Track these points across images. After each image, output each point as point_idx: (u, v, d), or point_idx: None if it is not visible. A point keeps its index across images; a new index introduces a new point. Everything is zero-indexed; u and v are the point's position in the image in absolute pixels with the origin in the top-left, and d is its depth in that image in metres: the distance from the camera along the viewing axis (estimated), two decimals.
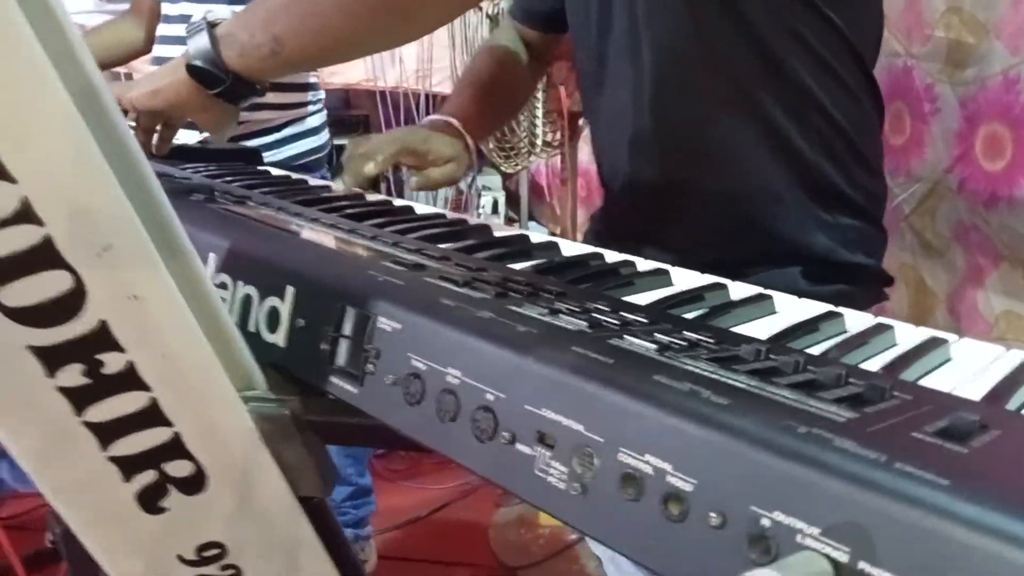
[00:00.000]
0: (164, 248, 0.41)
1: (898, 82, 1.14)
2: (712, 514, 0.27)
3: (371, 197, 0.78)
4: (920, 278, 1.10)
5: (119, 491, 0.44)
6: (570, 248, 0.62)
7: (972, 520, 0.23)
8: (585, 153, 2.12)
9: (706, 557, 0.27)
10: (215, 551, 0.48)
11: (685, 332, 0.39)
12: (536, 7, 0.99)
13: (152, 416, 0.43)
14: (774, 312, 0.50)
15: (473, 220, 0.70)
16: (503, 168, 1.64)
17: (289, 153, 1.46)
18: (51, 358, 0.40)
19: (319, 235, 0.55)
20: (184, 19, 1.43)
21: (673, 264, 0.57)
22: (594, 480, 0.31)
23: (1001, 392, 0.37)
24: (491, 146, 1.61)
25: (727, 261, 0.60)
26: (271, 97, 1.43)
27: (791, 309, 0.50)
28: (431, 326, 0.38)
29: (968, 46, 1.00)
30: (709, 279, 0.55)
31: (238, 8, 1.38)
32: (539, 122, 1.57)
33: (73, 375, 0.40)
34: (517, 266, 0.54)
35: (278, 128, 1.45)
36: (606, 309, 0.41)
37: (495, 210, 2.31)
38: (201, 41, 0.69)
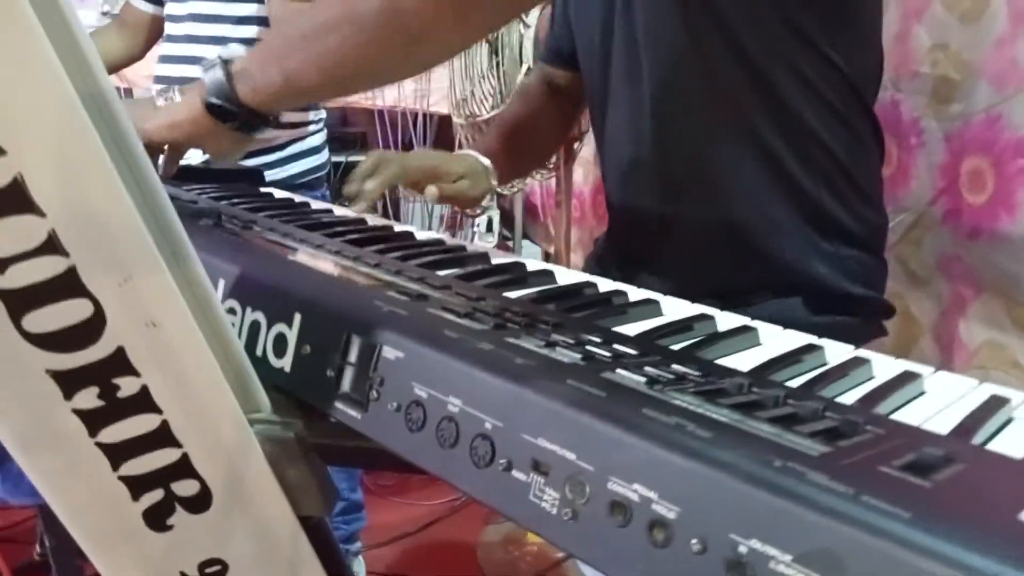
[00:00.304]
0: (180, 277, 0.43)
1: (886, 115, 1.17)
2: (694, 540, 0.29)
3: (373, 221, 0.80)
4: (906, 307, 1.13)
5: (128, 509, 0.46)
6: (565, 276, 0.65)
7: (930, 551, 0.25)
8: (579, 175, 2.15)
9: None
10: (217, 568, 0.50)
11: (673, 365, 0.41)
12: (563, 47, 1.00)
13: (162, 437, 0.45)
14: (759, 344, 0.53)
15: (471, 247, 0.72)
16: (499, 189, 1.67)
17: (291, 171, 1.48)
18: (69, 382, 0.42)
19: (325, 262, 0.57)
20: (189, 39, 1.46)
21: (673, 291, 0.59)
22: (585, 506, 0.33)
23: (969, 426, 0.39)
24: None
25: (728, 290, 0.62)
26: None
27: (775, 341, 0.53)
28: (433, 356, 0.40)
29: (953, 83, 1.03)
30: (697, 309, 0.57)
31: (242, 30, 1.41)
32: None
33: (89, 398, 0.42)
34: (514, 294, 0.56)
35: (280, 147, 1.48)
36: (598, 341, 0.44)
37: (490, 228, 2.34)
38: (216, 77, 0.71)
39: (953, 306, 1.04)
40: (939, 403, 0.44)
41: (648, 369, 0.39)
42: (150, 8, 1.62)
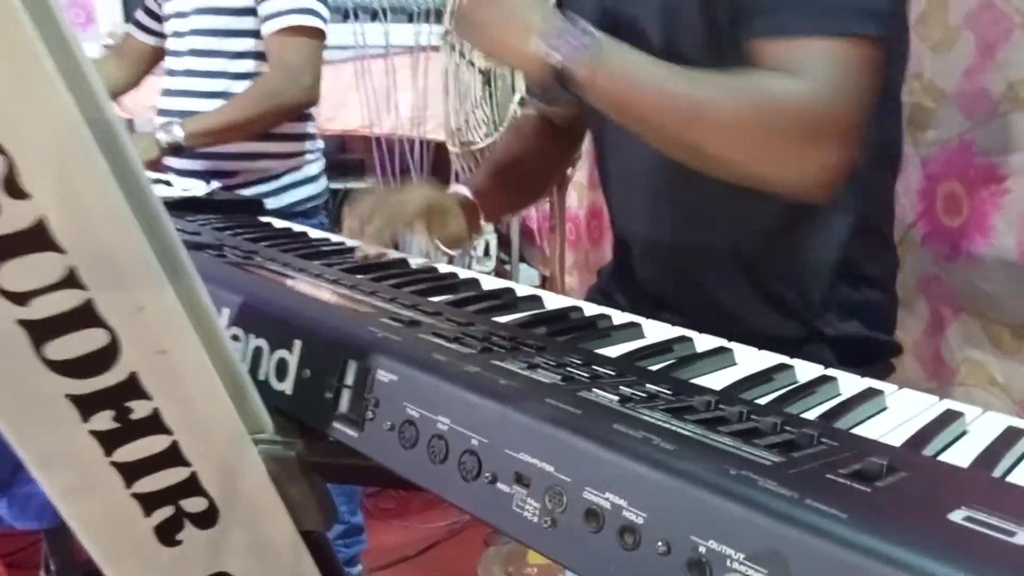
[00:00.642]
0: (187, 307, 0.46)
1: None
2: (659, 543, 0.32)
3: (368, 250, 0.83)
4: None
5: (140, 525, 0.49)
6: (553, 301, 0.68)
7: (865, 548, 0.28)
8: (573, 199, 2.19)
9: None
10: None
11: (647, 385, 0.44)
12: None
13: (172, 457, 0.48)
14: (734, 364, 0.56)
15: (463, 273, 0.75)
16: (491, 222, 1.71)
17: (289, 200, 1.52)
18: (86, 405, 0.45)
19: (323, 291, 0.60)
20: (189, 73, 1.50)
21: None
22: (562, 515, 0.36)
23: (921, 439, 0.42)
24: None
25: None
26: (272, 147, 1.51)
27: (750, 361, 0.56)
28: (424, 379, 0.43)
29: (928, 110, 1.07)
30: (677, 331, 0.61)
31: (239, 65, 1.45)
32: None
33: (104, 420, 0.45)
34: (503, 319, 0.59)
35: (278, 176, 1.52)
36: (579, 362, 0.47)
37: (487, 253, 2.37)
38: None
39: (933, 325, 1.07)
40: (898, 418, 0.47)
41: (622, 388, 0.42)
42: (151, 40, 1.66)
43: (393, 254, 0.83)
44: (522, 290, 0.70)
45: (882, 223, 0.81)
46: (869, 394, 0.49)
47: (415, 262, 0.79)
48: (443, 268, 0.77)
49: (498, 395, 0.40)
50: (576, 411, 0.38)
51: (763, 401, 0.46)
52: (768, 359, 0.56)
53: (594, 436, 0.36)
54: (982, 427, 0.46)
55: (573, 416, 0.38)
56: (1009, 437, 0.43)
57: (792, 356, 0.55)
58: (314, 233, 0.93)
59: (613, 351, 0.54)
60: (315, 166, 1.59)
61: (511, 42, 0.68)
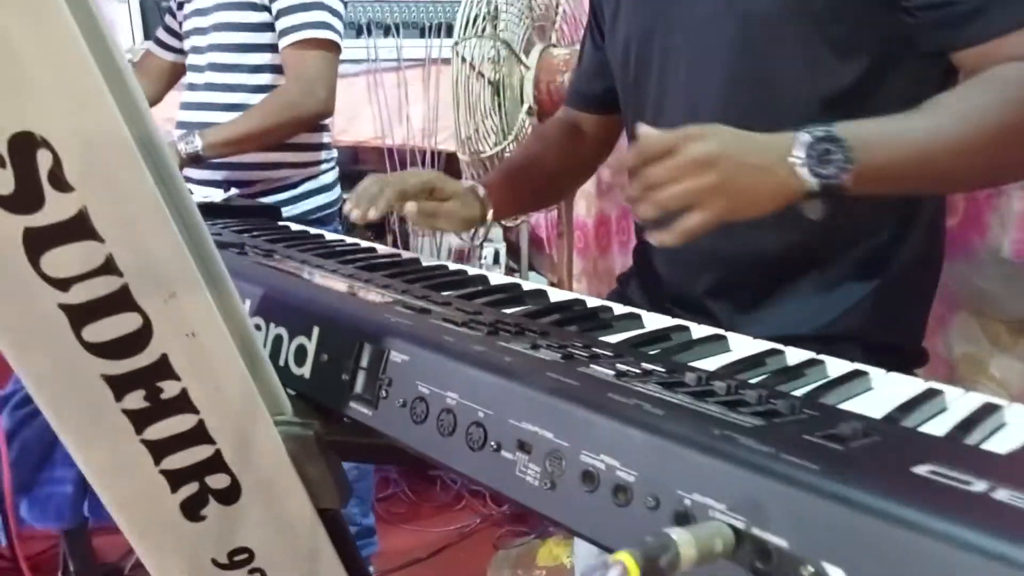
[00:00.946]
0: (215, 294, 0.49)
1: None
2: (649, 498, 0.35)
3: (382, 250, 0.87)
4: None
5: (167, 501, 0.52)
6: (557, 295, 0.71)
7: (833, 495, 0.31)
8: (582, 207, 2.22)
9: (645, 532, 0.35)
10: (244, 556, 0.56)
11: (643, 364, 0.47)
12: (588, 91, 1.02)
13: (199, 435, 0.51)
14: (728, 351, 0.59)
15: (472, 271, 0.78)
16: (503, 222, 1.74)
17: (305, 208, 1.56)
18: (119, 385, 0.48)
19: (340, 284, 0.64)
20: (209, 87, 1.55)
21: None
22: (561, 477, 0.39)
23: (901, 412, 0.45)
24: None
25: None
26: (288, 156, 1.55)
27: (743, 347, 0.59)
28: (434, 358, 0.47)
29: None
30: (676, 322, 0.64)
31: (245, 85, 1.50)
32: None
33: (136, 399, 0.49)
34: (509, 310, 0.62)
35: (295, 185, 1.56)
36: (580, 345, 0.50)
37: (496, 261, 2.41)
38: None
39: (933, 324, 1.09)
40: (883, 397, 0.50)
41: (619, 366, 0.45)
42: (169, 56, 1.71)
43: (406, 254, 0.86)
44: (528, 285, 0.73)
45: (935, 226, 0.80)
46: (855, 375, 0.52)
47: (427, 261, 0.82)
48: (453, 266, 0.80)
49: (502, 371, 0.43)
50: (574, 383, 0.41)
51: (753, 381, 0.49)
52: (760, 345, 0.58)
53: (590, 404, 0.39)
54: (962, 404, 0.49)
55: (571, 387, 0.41)
56: (985, 411, 0.46)
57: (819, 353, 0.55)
58: (330, 235, 0.97)
59: (614, 338, 0.57)
60: (330, 175, 1.63)
61: (771, 196, 0.62)
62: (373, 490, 1.95)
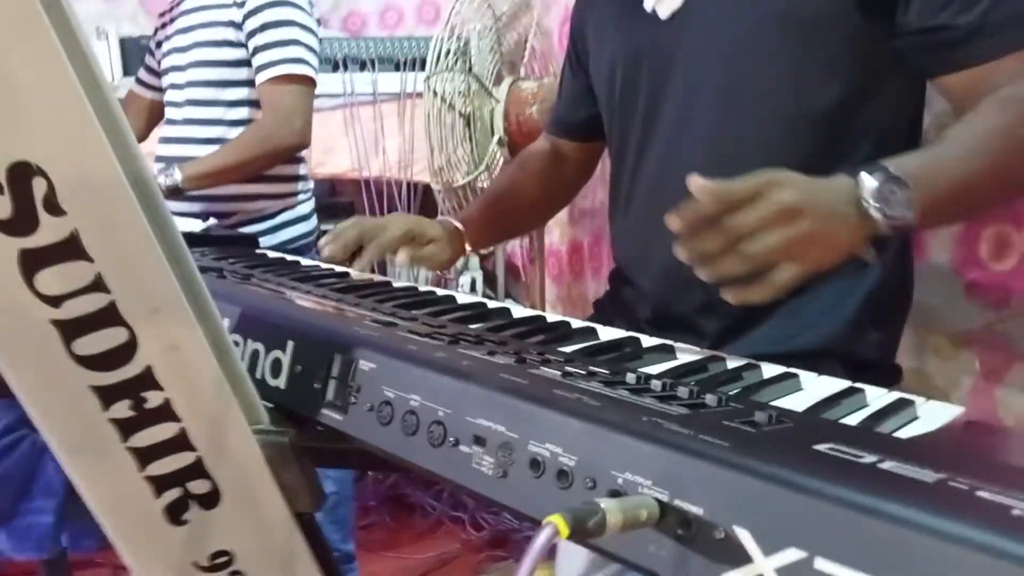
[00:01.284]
0: (196, 310, 0.53)
1: None
2: (587, 479, 0.40)
3: (355, 275, 0.91)
4: None
5: (151, 505, 0.56)
6: (520, 312, 0.75)
7: (742, 466, 0.35)
8: (556, 235, 2.28)
9: None
10: (224, 558, 0.59)
11: (590, 367, 0.51)
12: (569, 119, 1.06)
13: (181, 443, 0.54)
14: (675, 358, 0.63)
15: (441, 292, 0.83)
16: (480, 251, 1.79)
17: (283, 238, 1.60)
18: (107, 395, 0.52)
19: (313, 303, 0.68)
20: (188, 122, 1.59)
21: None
22: (512, 466, 0.43)
23: (822, 406, 0.50)
24: None
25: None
26: (265, 188, 1.59)
27: (686, 356, 0.63)
28: (398, 364, 0.51)
29: None
30: (628, 334, 0.68)
31: (232, 114, 1.54)
32: None
33: (122, 409, 0.52)
34: (474, 326, 0.67)
35: (272, 215, 1.60)
36: (534, 352, 0.54)
37: (473, 289, 2.45)
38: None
39: None
40: (811, 396, 0.54)
41: (567, 368, 0.49)
42: (150, 95, 1.76)
43: (378, 278, 0.90)
44: (493, 304, 0.78)
45: (906, 247, 0.82)
46: (786, 376, 0.57)
47: (398, 284, 0.86)
48: (423, 287, 0.84)
49: (460, 373, 0.48)
50: (524, 382, 0.46)
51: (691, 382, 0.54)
52: (701, 354, 0.63)
53: (536, 399, 0.43)
54: (881, 401, 0.53)
55: (520, 385, 0.45)
56: (899, 406, 0.51)
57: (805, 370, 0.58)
58: (305, 261, 1.01)
59: (568, 348, 0.62)
60: (307, 205, 1.67)
61: (850, 241, 0.61)
62: (353, 517, 1.97)
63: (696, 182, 0.58)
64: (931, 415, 0.52)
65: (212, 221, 1.41)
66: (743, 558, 0.34)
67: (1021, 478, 0.36)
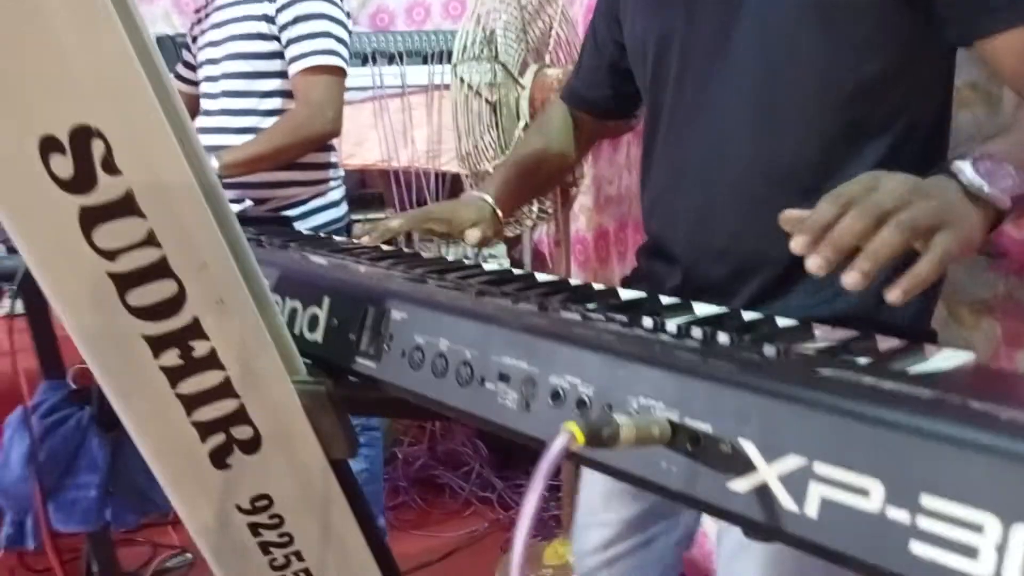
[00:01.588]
0: (240, 268, 0.57)
1: None
2: (605, 406, 0.42)
3: (386, 249, 0.94)
4: None
5: (197, 449, 0.59)
6: (545, 278, 0.78)
7: (747, 385, 0.38)
8: (582, 222, 2.30)
9: None
10: (264, 502, 0.63)
11: (608, 312, 0.54)
12: (586, 94, 1.09)
13: (225, 390, 0.58)
14: (693, 314, 0.66)
15: (469, 261, 0.86)
16: (508, 231, 1.83)
17: (314, 223, 1.65)
18: (157, 344, 0.56)
19: (348, 266, 0.71)
20: (223, 112, 1.64)
21: None
22: (534, 399, 0.46)
23: (833, 348, 0.52)
24: None
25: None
26: (297, 175, 1.64)
27: (704, 310, 0.66)
28: (428, 313, 0.54)
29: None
30: (648, 295, 0.71)
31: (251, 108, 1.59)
32: None
33: (172, 357, 0.56)
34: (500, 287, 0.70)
35: (304, 201, 1.65)
36: (556, 299, 0.57)
37: None
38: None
39: None
40: (823, 343, 0.56)
41: (587, 311, 0.52)
42: (185, 88, 1.82)
43: (408, 250, 0.94)
44: (518, 272, 0.81)
45: None
46: (802, 326, 0.59)
47: (427, 255, 0.90)
48: (451, 257, 0.88)
49: (486, 317, 0.51)
50: (545, 322, 0.48)
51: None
52: (719, 309, 0.65)
53: (557, 336, 0.46)
54: (892, 344, 0.55)
55: (542, 326, 0.48)
56: (908, 349, 0.53)
57: None
58: (338, 239, 1.05)
59: (591, 304, 0.65)
60: (337, 192, 1.72)
61: (977, 226, 0.58)
62: (384, 495, 2.01)
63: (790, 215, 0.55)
64: (942, 359, 0.54)
65: (248, 203, 1.46)
66: (748, 467, 0.37)
67: (1015, 397, 0.38)
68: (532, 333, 0.47)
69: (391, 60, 2.48)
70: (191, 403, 0.58)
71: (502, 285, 0.72)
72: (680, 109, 0.87)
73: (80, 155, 0.50)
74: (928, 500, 0.32)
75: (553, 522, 2.01)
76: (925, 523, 0.32)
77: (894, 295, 0.52)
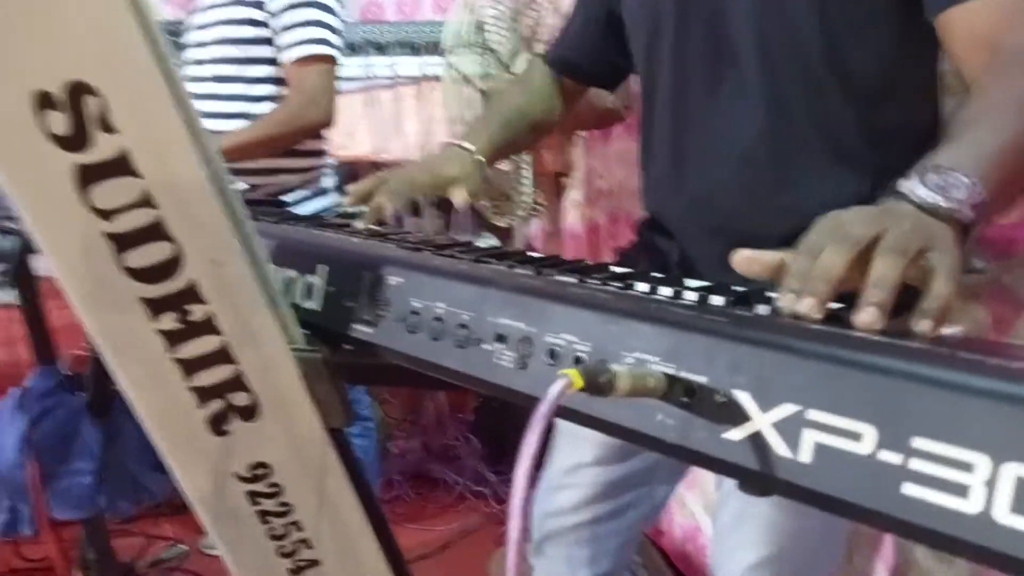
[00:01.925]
0: (236, 231, 0.57)
1: None
2: (600, 361, 0.43)
3: (380, 229, 0.94)
4: None
5: (195, 415, 0.60)
6: (537, 255, 0.79)
7: (741, 337, 0.39)
8: (573, 216, 2.31)
9: None
10: (263, 470, 0.63)
11: (604, 277, 0.55)
12: (571, 56, 1.08)
13: (223, 356, 0.58)
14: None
15: (461, 239, 0.86)
16: (495, 221, 1.83)
17: (305, 211, 1.65)
18: (154, 307, 0.56)
19: (343, 236, 0.72)
20: (211, 97, 1.64)
21: None
22: (530, 358, 0.46)
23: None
24: (486, 204, 1.80)
25: None
26: (289, 162, 1.64)
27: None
28: (424, 277, 0.54)
29: None
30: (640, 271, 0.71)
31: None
32: (527, 183, 1.77)
33: (169, 321, 0.56)
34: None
35: (294, 189, 1.65)
36: (552, 266, 0.58)
37: None
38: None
39: None
40: None
41: (582, 275, 0.53)
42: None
43: (402, 229, 0.94)
44: (512, 249, 0.81)
45: None
46: None
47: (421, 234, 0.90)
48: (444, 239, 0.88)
49: (482, 280, 0.51)
50: (541, 284, 0.49)
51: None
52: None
53: (553, 296, 0.47)
54: None
55: (539, 287, 0.48)
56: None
57: None
58: (332, 218, 1.05)
59: None
60: (328, 180, 1.72)
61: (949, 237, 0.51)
62: (379, 488, 2.01)
63: (743, 255, 0.52)
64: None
65: (242, 184, 1.46)
66: (742, 417, 0.38)
67: (1001, 352, 0.39)
68: (529, 294, 0.48)
69: (381, 50, 2.48)
70: (189, 368, 0.58)
71: (504, 259, 0.73)
72: (677, 87, 0.87)
73: (76, 112, 0.50)
74: (920, 442, 0.33)
75: None
76: (917, 464, 0.33)
77: (925, 326, 0.45)
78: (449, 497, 2.25)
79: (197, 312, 0.56)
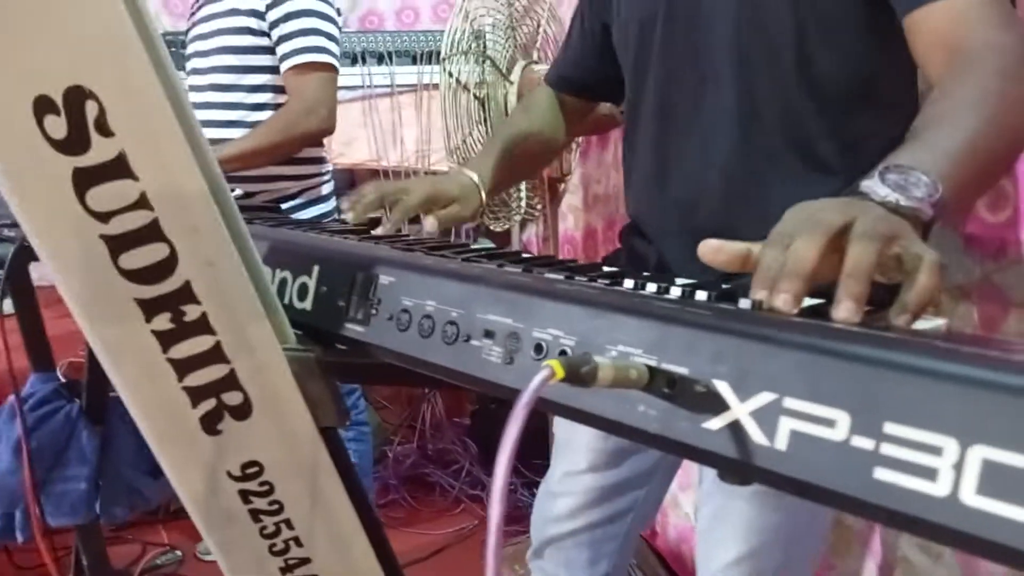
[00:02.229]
0: (231, 232, 0.58)
1: None
2: (584, 354, 0.44)
3: (376, 232, 0.95)
4: None
5: (189, 415, 0.60)
6: (529, 255, 0.80)
7: (722, 328, 0.40)
8: (570, 221, 2.32)
9: None
10: (255, 469, 0.64)
11: (592, 275, 0.56)
12: (571, 74, 1.10)
13: (216, 355, 0.59)
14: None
15: (455, 241, 0.87)
16: (490, 226, 1.84)
17: (302, 217, 1.66)
18: (149, 308, 0.56)
19: (336, 238, 0.73)
20: (210, 106, 1.65)
21: None
22: (518, 353, 0.47)
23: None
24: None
25: None
26: (288, 169, 1.65)
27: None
28: (414, 276, 0.55)
29: None
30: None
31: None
32: (523, 188, 1.79)
33: (163, 321, 0.57)
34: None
35: (292, 196, 1.66)
36: (543, 266, 0.58)
37: None
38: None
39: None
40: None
41: (570, 274, 0.54)
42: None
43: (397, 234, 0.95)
44: (506, 250, 0.82)
45: None
46: None
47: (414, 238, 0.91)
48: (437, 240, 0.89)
49: (472, 278, 0.52)
50: (528, 280, 0.50)
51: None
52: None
53: (541, 292, 0.48)
54: None
55: (527, 283, 0.49)
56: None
57: None
58: (328, 223, 1.06)
59: None
60: (327, 186, 1.73)
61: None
62: (374, 492, 2.02)
63: (710, 245, 0.52)
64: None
65: (239, 191, 1.47)
66: (721, 406, 0.38)
67: (978, 343, 0.40)
68: (517, 291, 0.49)
69: (380, 60, 2.50)
70: (182, 368, 0.59)
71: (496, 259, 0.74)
72: (662, 95, 0.89)
73: (74, 116, 0.51)
74: (891, 427, 0.34)
75: None
76: (888, 449, 0.34)
77: (904, 319, 0.46)
78: (445, 501, 2.26)
79: (191, 312, 0.57)
